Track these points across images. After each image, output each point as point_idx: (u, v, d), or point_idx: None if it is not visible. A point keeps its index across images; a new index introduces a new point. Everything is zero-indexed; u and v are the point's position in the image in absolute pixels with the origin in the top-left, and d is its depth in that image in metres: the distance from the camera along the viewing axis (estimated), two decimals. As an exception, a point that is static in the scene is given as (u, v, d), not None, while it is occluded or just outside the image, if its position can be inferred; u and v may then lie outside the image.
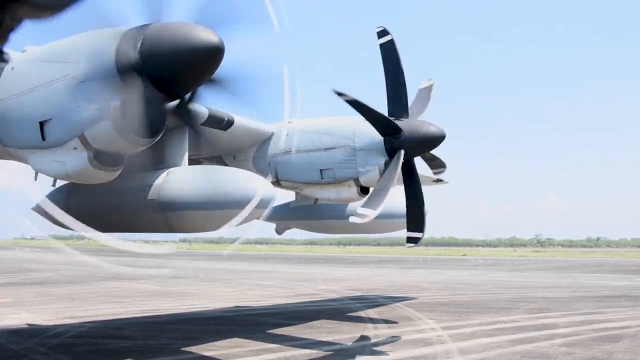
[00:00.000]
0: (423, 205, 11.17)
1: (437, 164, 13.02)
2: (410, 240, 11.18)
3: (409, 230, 11.15)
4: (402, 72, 11.20)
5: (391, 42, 11.28)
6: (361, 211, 9.95)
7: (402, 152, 10.77)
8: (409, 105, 11.43)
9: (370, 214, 9.88)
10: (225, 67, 7.09)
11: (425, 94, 12.34)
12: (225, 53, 6.84)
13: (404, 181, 11.25)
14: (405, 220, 11.32)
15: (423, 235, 11.20)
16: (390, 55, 11.26)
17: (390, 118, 10.96)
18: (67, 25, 6.35)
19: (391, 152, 10.92)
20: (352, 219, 9.95)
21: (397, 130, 10.83)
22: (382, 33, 11.35)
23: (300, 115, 11.57)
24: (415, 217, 11.16)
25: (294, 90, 8.60)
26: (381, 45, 11.36)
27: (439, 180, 16.40)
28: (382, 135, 10.93)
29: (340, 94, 10.13)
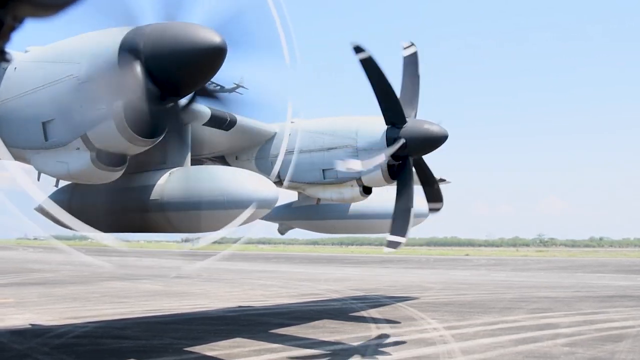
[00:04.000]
0: (411, 208, 10.68)
1: (435, 197, 12.02)
2: (390, 244, 10.29)
3: (391, 233, 10.39)
4: (419, 81, 11.55)
5: (414, 55, 11.66)
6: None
7: (403, 140, 10.69)
8: (399, 85, 11.54)
9: (402, 241, 10.25)
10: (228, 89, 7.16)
11: (412, 64, 11.80)
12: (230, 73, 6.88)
13: (397, 180, 11.10)
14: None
15: (405, 241, 10.46)
16: (411, 66, 11.61)
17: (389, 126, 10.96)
18: (70, 25, 6.37)
19: (394, 153, 10.88)
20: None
21: (401, 120, 10.79)
22: (408, 46, 11.75)
23: (302, 116, 11.59)
24: (400, 219, 10.56)
25: (281, 10, 8.37)
26: (405, 57, 11.70)
27: (441, 180, 16.35)
28: (386, 123, 10.89)
29: (358, 50, 9.93)
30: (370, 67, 10.11)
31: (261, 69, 7.91)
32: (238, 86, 8.79)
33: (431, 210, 12.15)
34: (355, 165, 9.79)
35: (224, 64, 6.94)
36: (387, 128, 10.92)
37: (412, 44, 11.76)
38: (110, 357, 10.47)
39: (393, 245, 10.30)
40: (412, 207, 10.66)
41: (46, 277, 31.64)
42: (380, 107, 10.66)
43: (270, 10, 7.77)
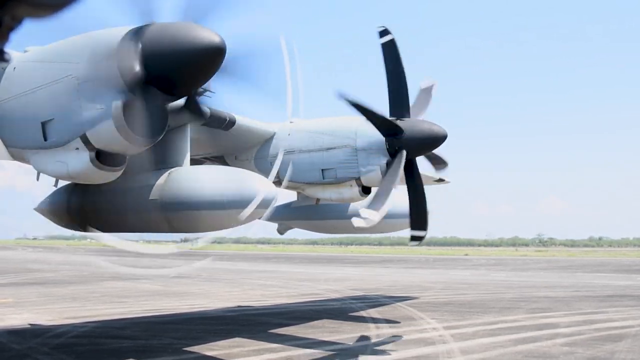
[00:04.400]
0: (426, 203, 11.13)
1: (438, 161, 12.93)
2: (413, 238, 11.12)
3: (412, 228, 11.06)
4: (404, 72, 11.11)
5: (392, 42, 11.14)
6: (365, 214, 9.60)
7: (404, 152, 10.73)
8: (410, 105, 11.40)
9: (375, 216, 9.53)
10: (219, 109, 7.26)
11: (426, 93, 12.28)
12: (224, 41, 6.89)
13: (406, 181, 11.22)
14: (406, 220, 11.29)
15: (426, 233, 11.14)
16: (391, 55, 11.14)
17: (392, 118, 10.94)
18: (69, 25, 6.37)
19: (393, 152, 10.90)
20: (355, 223, 9.66)
21: (399, 130, 10.80)
22: (383, 33, 11.19)
23: (302, 115, 11.57)
24: (418, 215, 11.10)
25: (294, 62, 8.46)
26: (382, 45, 11.21)
27: (440, 180, 16.41)
28: (384, 136, 10.90)
29: (343, 97, 10.03)
30: (358, 108, 10.12)
31: (261, 109, 8.06)
32: (205, 90, 8.85)
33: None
34: (373, 215, 9.59)
35: (224, 90, 7.03)
36: (386, 138, 10.91)
37: (387, 31, 11.16)
38: (109, 357, 10.47)
39: (417, 238, 11.05)
40: (426, 202, 11.09)
41: (45, 277, 31.63)
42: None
43: (283, 61, 7.91)
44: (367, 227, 9.61)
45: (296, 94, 8.42)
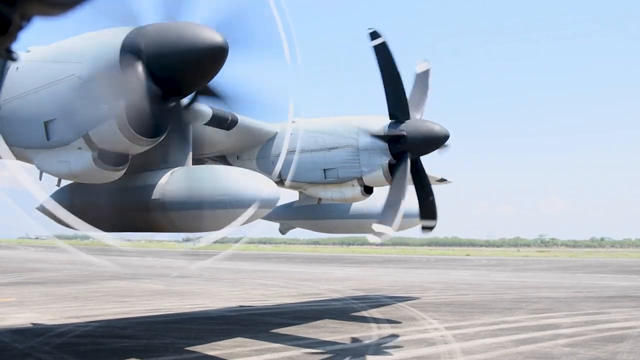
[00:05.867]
0: (433, 195, 11.32)
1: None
2: (425, 228, 11.38)
3: (422, 218, 11.31)
4: (399, 75, 10.63)
5: (384, 44, 10.57)
6: (379, 229, 9.79)
7: (408, 159, 10.81)
8: (408, 95, 11.30)
9: (389, 231, 9.81)
10: (228, 85, 7.26)
11: (423, 79, 12.06)
12: (230, 73, 6.92)
13: (413, 179, 11.28)
14: (407, 220, 11.41)
15: (436, 222, 11.33)
16: (384, 57, 10.60)
17: (392, 121, 10.96)
18: (72, 25, 6.37)
19: (395, 152, 10.89)
20: (370, 239, 10.03)
21: (406, 114, 10.85)
22: (374, 35, 10.58)
23: (304, 115, 11.59)
24: (427, 206, 11.30)
25: (283, 13, 8.36)
26: (374, 48, 10.65)
27: (442, 180, 16.46)
28: (390, 118, 10.93)
29: (374, 36, 9.94)
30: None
31: (262, 68, 7.95)
32: None
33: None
34: (387, 230, 9.78)
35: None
36: (390, 123, 10.92)
37: (377, 33, 10.66)
38: (111, 356, 10.49)
39: (428, 228, 11.16)
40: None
41: (47, 277, 31.67)
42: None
43: (271, 9, 7.77)
44: (382, 242, 9.78)
45: (290, 39, 8.24)
